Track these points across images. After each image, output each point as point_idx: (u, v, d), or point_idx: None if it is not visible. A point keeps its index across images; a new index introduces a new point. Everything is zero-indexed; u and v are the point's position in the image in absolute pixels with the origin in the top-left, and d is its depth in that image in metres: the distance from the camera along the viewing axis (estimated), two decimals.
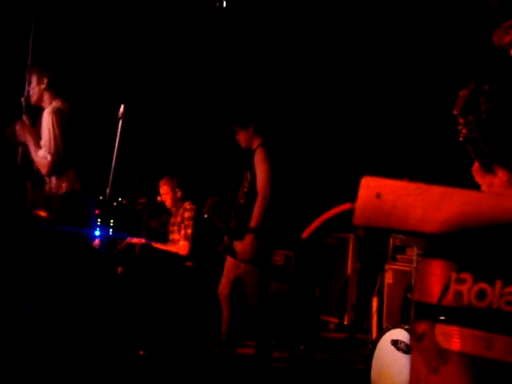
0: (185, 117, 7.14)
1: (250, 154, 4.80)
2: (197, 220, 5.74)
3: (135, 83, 6.23)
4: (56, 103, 4.20)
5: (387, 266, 5.72)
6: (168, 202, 5.97)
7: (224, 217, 4.90)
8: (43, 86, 4.21)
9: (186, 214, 5.81)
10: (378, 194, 1.42)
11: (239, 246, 4.63)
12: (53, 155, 4.07)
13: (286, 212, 5.88)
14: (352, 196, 1.47)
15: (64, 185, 4.17)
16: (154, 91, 6.71)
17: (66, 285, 4.05)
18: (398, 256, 5.72)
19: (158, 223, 6.88)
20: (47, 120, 4.10)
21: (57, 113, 4.11)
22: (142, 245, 5.73)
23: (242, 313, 4.79)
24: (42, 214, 4.62)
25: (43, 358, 3.78)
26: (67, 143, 4.12)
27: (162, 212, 6.62)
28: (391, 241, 5.80)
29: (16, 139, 4.24)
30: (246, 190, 4.74)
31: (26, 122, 4.22)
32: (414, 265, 4.21)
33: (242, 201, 4.74)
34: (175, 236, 5.87)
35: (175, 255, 5.67)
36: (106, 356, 4.26)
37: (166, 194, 5.93)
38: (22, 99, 4.23)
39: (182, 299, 5.42)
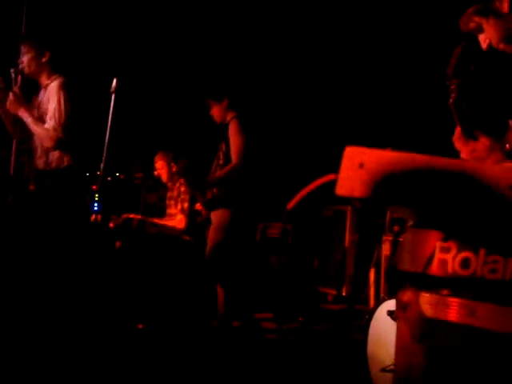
0: (177, 90, 7.10)
1: (225, 127, 4.82)
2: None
3: (127, 57, 6.18)
4: (56, 77, 4.15)
5: (384, 238, 5.73)
6: (164, 177, 5.96)
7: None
8: (44, 60, 4.14)
9: (182, 188, 5.80)
10: (361, 164, 1.41)
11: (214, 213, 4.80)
12: (63, 128, 4.03)
13: (266, 185, 5.90)
14: (336, 167, 1.46)
15: (66, 159, 4.13)
16: (145, 64, 6.66)
17: (64, 259, 4.06)
18: (396, 227, 5.72)
19: (156, 198, 6.88)
20: (56, 93, 4.05)
21: (65, 87, 4.08)
22: (139, 220, 5.73)
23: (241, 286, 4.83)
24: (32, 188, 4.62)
25: (41, 332, 3.80)
26: (74, 117, 4.09)
27: (160, 187, 6.62)
28: (388, 212, 5.80)
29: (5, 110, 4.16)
30: (221, 162, 4.83)
31: (18, 93, 4.12)
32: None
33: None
34: (172, 210, 5.88)
35: (172, 229, 5.68)
36: (104, 330, 4.29)
37: (161, 168, 5.92)
38: (12, 70, 4.12)
39: (179, 273, 5.44)
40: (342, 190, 1.43)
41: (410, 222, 1.58)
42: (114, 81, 3.83)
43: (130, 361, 3.94)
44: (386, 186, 1.42)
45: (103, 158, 3.87)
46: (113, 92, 3.82)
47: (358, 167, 1.42)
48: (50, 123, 4.04)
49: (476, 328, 1.41)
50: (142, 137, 7.14)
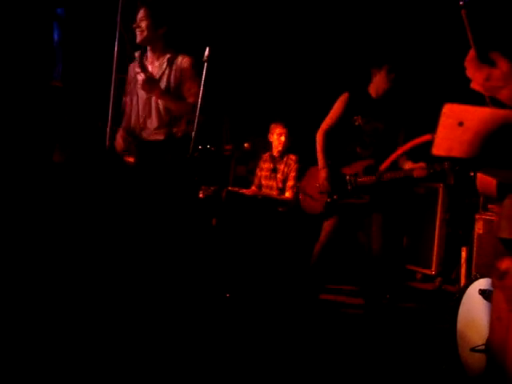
0: (272, 60, 7.04)
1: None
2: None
3: (219, 26, 6.18)
4: (178, 55, 4.22)
5: (478, 216, 5.53)
6: (280, 148, 5.88)
7: None
8: (161, 32, 4.18)
9: (295, 166, 5.78)
10: (461, 122, 1.34)
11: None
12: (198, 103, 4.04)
13: None
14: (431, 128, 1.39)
15: (190, 127, 4.12)
16: (239, 33, 6.64)
17: (166, 228, 4.12)
18: (490, 206, 5.52)
19: (245, 170, 6.91)
20: (193, 70, 4.15)
21: (195, 64, 4.13)
22: (228, 191, 5.70)
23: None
24: (131, 160, 4.71)
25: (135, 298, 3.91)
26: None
27: (249, 159, 6.64)
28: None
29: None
30: (374, 141, 4.44)
31: (150, 74, 4.15)
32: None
33: (368, 154, 4.47)
34: (278, 183, 5.84)
35: (269, 200, 5.68)
36: (195, 297, 4.38)
37: (281, 135, 5.85)
38: (137, 54, 4.20)
39: (273, 243, 5.44)
40: (439, 149, 1.37)
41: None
42: (207, 50, 3.86)
43: (224, 333, 4.01)
44: (487, 145, 1.35)
45: (195, 126, 3.92)
46: (205, 61, 3.86)
47: (457, 125, 1.35)
48: (194, 100, 4.05)
49: None
50: (234, 107, 7.13)
